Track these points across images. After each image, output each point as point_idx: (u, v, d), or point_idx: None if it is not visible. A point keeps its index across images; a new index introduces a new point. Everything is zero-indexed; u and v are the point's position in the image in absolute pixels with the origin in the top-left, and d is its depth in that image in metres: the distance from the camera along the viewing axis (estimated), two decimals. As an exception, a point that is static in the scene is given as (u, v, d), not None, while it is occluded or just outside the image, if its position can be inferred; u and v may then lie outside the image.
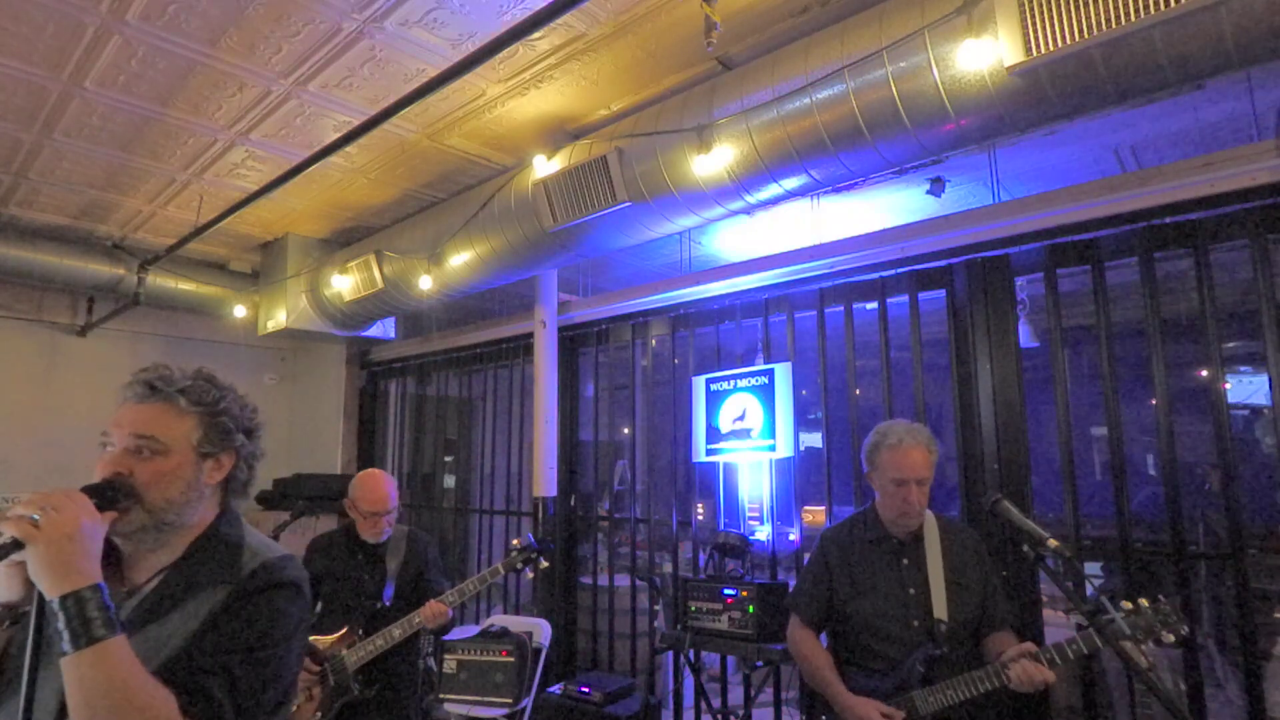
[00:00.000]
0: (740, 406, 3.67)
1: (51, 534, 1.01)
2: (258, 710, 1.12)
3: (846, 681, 2.18)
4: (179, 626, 1.13)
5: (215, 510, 1.28)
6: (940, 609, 2.13)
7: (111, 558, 1.21)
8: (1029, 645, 1.96)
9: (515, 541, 3.01)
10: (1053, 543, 1.82)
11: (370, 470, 2.97)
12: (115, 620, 1.02)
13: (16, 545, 1.00)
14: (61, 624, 0.99)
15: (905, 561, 2.22)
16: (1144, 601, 1.84)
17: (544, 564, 3.00)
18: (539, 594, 4.35)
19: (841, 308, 3.49)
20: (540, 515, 4.37)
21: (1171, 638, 1.80)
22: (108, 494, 1.13)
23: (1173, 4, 1.84)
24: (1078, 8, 1.97)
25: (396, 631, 2.75)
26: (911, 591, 2.17)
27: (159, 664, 1.08)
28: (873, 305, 3.41)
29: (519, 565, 2.94)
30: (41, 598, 1.03)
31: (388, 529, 2.92)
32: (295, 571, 1.24)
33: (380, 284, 4.40)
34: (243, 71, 3.08)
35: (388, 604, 2.85)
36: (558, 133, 3.56)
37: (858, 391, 3.48)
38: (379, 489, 2.89)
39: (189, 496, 1.21)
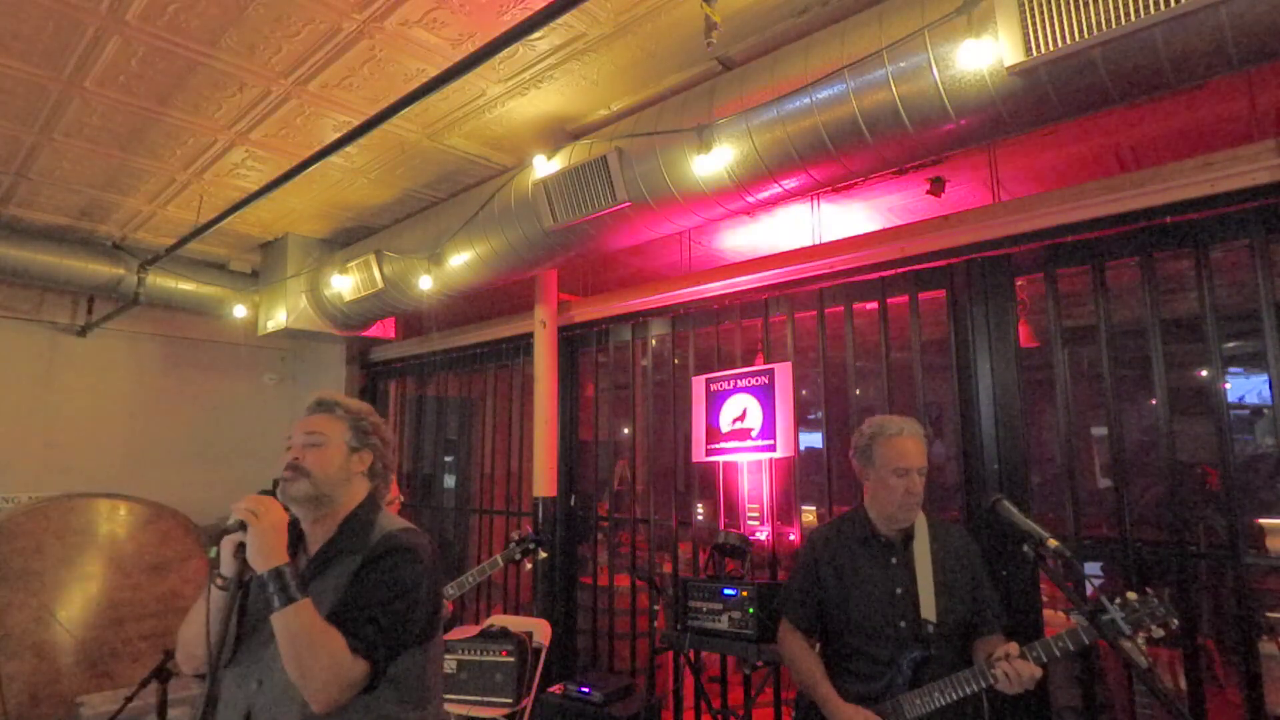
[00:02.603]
0: (740, 406, 3.68)
1: (266, 524, 1.48)
2: (400, 644, 1.54)
3: (836, 684, 2.14)
4: (330, 584, 1.56)
5: (361, 497, 1.71)
6: (928, 609, 2.08)
7: (299, 544, 1.68)
8: (1013, 645, 1.92)
9: (514, 533, 3.02)
10: (1052, 543, 1.82)
11: None
12: (301, 587, 1.46)
13: (242, 526, 1.47)
14: (271, 589, 1.43)
15: (894, 561, 2.17)
16: (1131, 595, 1.81)
17: (543, 554, 3.01)
18: (539, 594, 4.35)
19: (841, 308, 3.49)
20: (540, 515, 4.37)
21: (1161, 631, 1.75)
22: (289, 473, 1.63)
23: (1173, 4, 1.85)
24: (1078, 8, 1.98)
25: None
26: (899, 591, 2.13)
27: (324, 613, 1.48)
28: (873, 305, 3.41)
29: (518, 556, 2.94)
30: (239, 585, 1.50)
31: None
32: (411, 539, 1.63)
33: (380, 284, 4.40)
34: (243, 71, 3.08)
35: None
36: (558, 133, 3.56)
37: (858, 391, 3.48)
38: None
39: (341, 476, 1.68)
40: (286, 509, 1.59)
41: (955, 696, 1.99)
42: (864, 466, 2.25)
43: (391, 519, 1.72)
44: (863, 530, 2.25)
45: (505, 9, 2.67)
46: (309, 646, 1.41)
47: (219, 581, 1.52)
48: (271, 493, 1.58)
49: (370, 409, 1.79)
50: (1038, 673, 1.86)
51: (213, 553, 1.52)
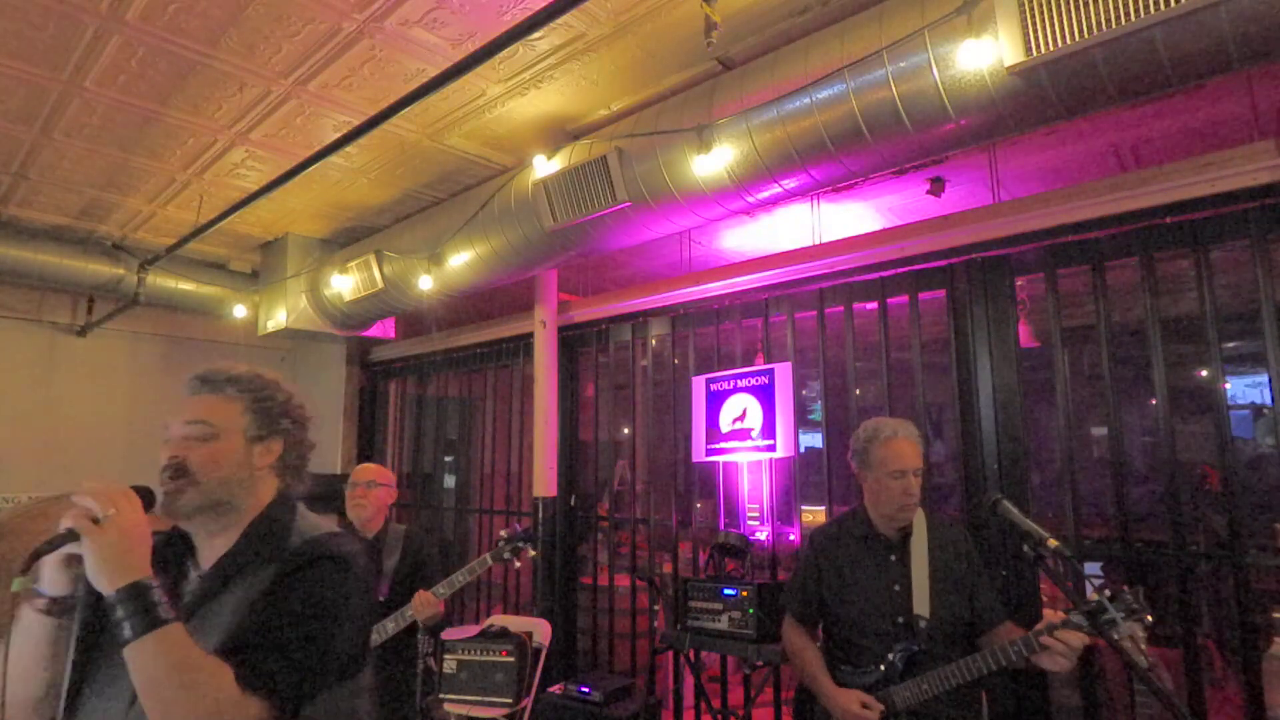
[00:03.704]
0: (740, 406, 3.67)
1: (112, 530, 1.09)
2: (319, 679, 1.17)
3: (834, 675, 2.20)
4: (232, 602, 1.20)
5: (271, 495, 1.34)
6: (921, 606, 2.13)
7: (188, 556, 1.32)
8: (1055, 615, 1.85)
9: (502, 532, 3.02)
10: (1053, 542, 1.81)
11: None
12: (169, 608, 1.08)
13: (73, 536, 1.08)
14: (121, 614, 1.05)
15: (892, 558, 2.23)
16: (1107, 593, 1.78)
17: (532, 552, 3.02)
18: (539, 594, 4.35)
19: (841, 308, 3.49)
20: (540, 515, 4.37)
21: (1140, 630, 1.70)
22: (151, 495, 1.22)
23: (1173, 4, 1.85)
24: (1078, 8, 1.98)
25: (390, 625, 2.77)
26: (896, 588, 2.18)
27: (218, 640, 1.14)
28: (873, 305, 3.41)
29: (506, 555, 2.94)
30: (92, 596, 1.11)
31: (378, 512, 2.96)
32: (341, 546, 1.28)
33: (380, 284, 4.40)
34: (243, 71, 3.08)
35: (383, 600, 2.86)
36: (558, 133, 3.56)
37: (858, 391, 3.48)
38: (365, 465, 3.06)
39: (240, 475, 1.29)
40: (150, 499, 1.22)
41: (947, 686, 2.01)
42: (862, 469, 2.29)
43: (314, 522, 1.35)
44: (863, 529, 2.30)
45: (505, 9, 2.67)
46: (177, 685, 1.04)
47: (40, 604, 1.14)
48: (141, 489, 1.20)
49: (276, 381, 1.39)
50: (1086, 640, 1.80)
51: (17, 585, 1.09)
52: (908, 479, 2.17)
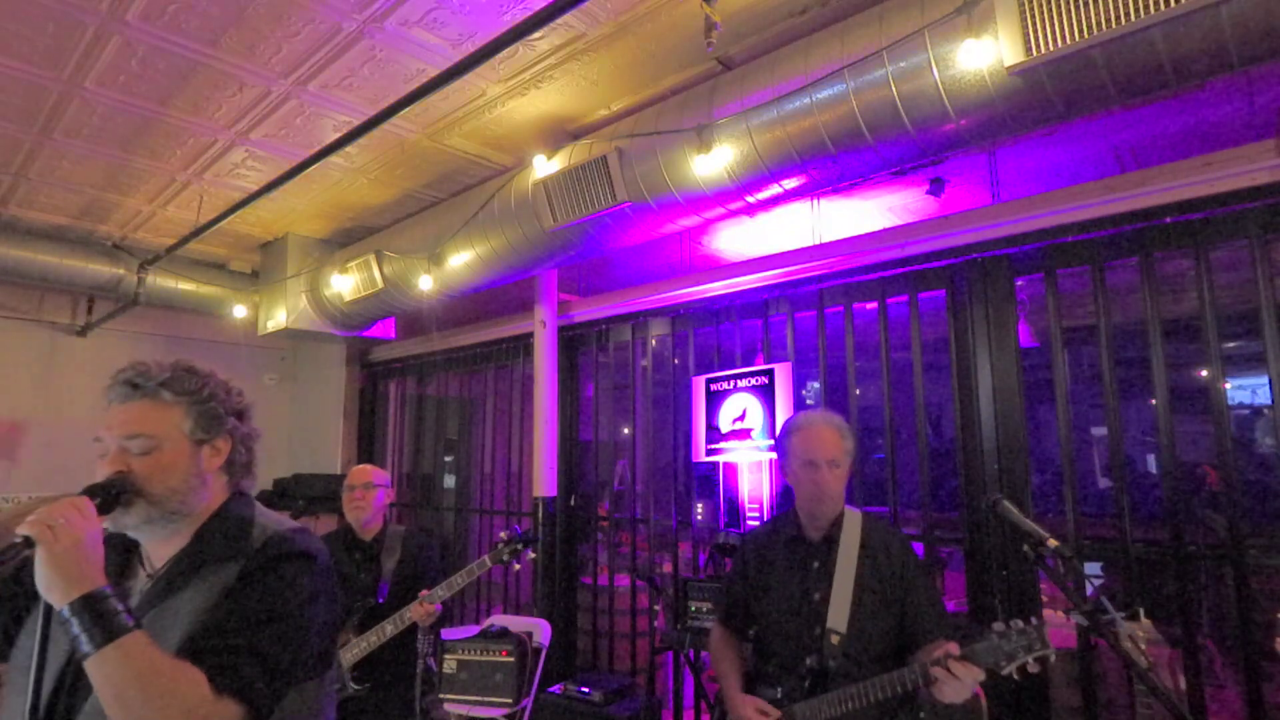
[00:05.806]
0: (740, 406, 3.67)
1: (67, 541, 1.04)
2: (290, 678, 1.16)
3: (755, 685, 2.09)
4: (192, 602, 1.16)
5: (225, 494, 1.32)
6: (838, 619, 1.98)
7: (131, 555, 1.27)
8: (952, 645, 1.75)
9: (502, 534, 3.02)
10: (1052, 542, 1.81)
11: None
12: (127, 615, 1.05)
13: (29, 544, 1.03)
14: (77, 628, 1.01)
15: (816, 565, 2.08)
16: (1019, 622, 1.72)
17: (531, 555, 3.02)
18: (539, 594, 4.35)
19: (841, 308, 3.49)
20: (540, 515, 4.37)
21: (1037, 667, 1.66)
22: (111, 492, 1.16)
23: (1173, 4, 1.85)
24: (1078, 8, 1.98)
25: (389, 627, 2.77)
26: (817, 597, 2.04)
27: (178, 640, 1.12)
28: (873, 305, 3.41)
29: (505, 557, 2.94)
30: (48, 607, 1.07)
31: (376, 514, 2.97)
32: (307, 542, 1.26)
33: (380, 284, 4.40)
34: (243, 71, 3.08)
35: (382, 602, 2.86)
36: (558, 133, 3.56)
37: (858, 391, 3.48)
38: (361, 467, 3.07)
39: (191, 484, 1.25)
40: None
41: (845, 709, 1.88)
42: (784, 461, 2.16)
43: (274, 517, 1.32)
44: (791, 531, 2.17)
45: (505, 9, 2.67)
46: (145, 694, 1.01)
47: None
48: (95, 491, 1.15)
49: (212, 376, 1.33)
50: (980, 675, 1.71)
51: None
52: (820, 470, 2.04)
